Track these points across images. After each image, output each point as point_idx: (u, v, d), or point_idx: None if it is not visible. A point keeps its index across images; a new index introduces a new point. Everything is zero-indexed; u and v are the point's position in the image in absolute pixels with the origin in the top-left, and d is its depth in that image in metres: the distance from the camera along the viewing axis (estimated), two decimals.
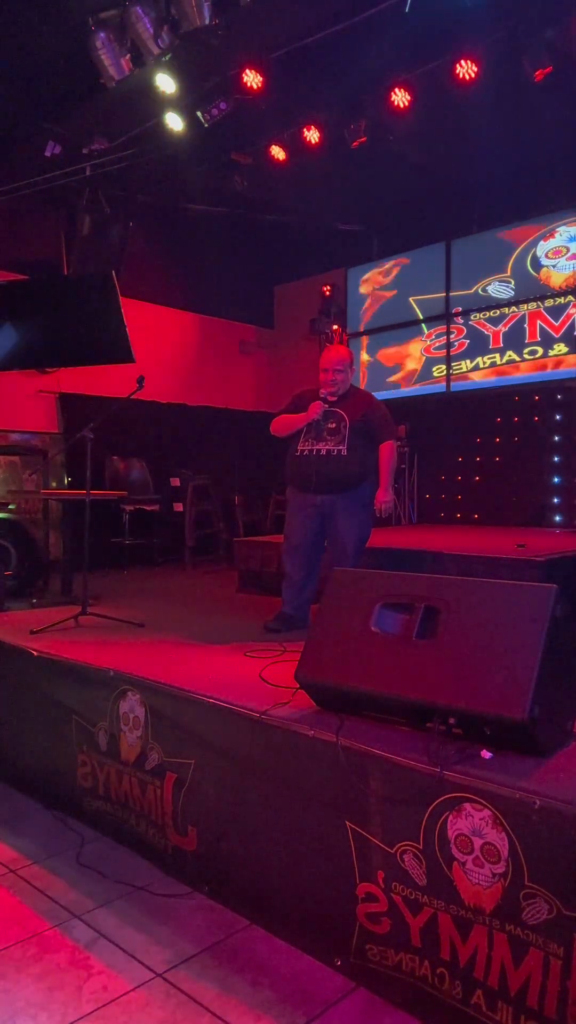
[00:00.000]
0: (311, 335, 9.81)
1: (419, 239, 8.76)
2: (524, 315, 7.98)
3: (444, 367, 8.65)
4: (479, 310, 8.34)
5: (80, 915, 2.39)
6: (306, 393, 4.18)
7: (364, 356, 9.56)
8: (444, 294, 8.65)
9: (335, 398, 4.05)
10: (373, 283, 9.42)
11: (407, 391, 9.03)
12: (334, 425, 3.99)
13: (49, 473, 7.67)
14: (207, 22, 4.98)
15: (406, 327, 9.03)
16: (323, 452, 3.96)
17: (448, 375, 8.61)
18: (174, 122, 6.11)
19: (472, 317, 8.42)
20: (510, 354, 8.09)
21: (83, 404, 7.83)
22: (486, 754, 1.97)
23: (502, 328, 8.17)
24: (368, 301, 9.48)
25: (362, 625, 2.32)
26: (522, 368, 8.00)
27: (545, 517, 7.72)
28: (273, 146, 6.86)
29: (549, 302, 7.78)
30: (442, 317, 8.66)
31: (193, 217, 8.55)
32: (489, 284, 8.28)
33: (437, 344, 8.77)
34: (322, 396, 4.02)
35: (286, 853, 2.28)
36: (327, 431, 3.99)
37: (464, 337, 8.51)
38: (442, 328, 8.69)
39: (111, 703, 2.91)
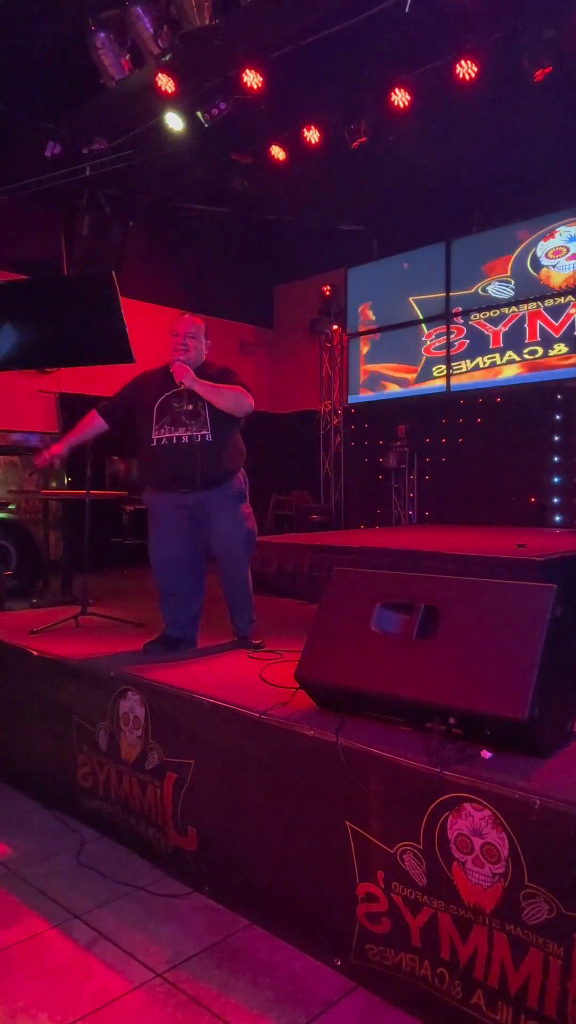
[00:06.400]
0: (311, 335, 9.81)
1: (419, 239, 8.76)
2: (524, 315, 7.98)
3: (444, 367, 8.65)
4: (479, 310, 8.35)
5: (80, 915, 2.38)
6: (148, 374, 3.49)
7: (363, 356, 9.56)
8: (444, 294, 8.65)
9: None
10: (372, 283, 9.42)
11: (407, 391, 9.04)
12: (192, 407, 3.27)
13: (49, 473, 7.66)
14: (207, 22, 4.99)
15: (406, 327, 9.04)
16: (185, 440, 3.26)
17: (448, 375, 8.61)
18: (174, 122, 6.11)
19: (472, 317, 8.42)
20: (510, 354, 8.09)
21: (83, 404, 7.74)
22: (486, 754, 1.97)
23: (502, 328, 8.17)
24: (368, 300, 9.48)
25: (362, 625, 2.32)
26: (522, 368, 8.01)
27: (545, 517, 7.72)
28: (273, 146, 6.87)
29: (549, 302, 7.79)
30: (442, 317, 8.67)
31: (193, 217, 8.55)
32: (489, 284, 8.28)
33: (437, 344, 8.77)
34: (173, 361, 3.30)
35: (286, 853, 2.28)
36: (185, 414, 3.28)
37: (464, 337, 8.51)
38: (442, 328, 8.69)
39: (111, 703, 2.91)
